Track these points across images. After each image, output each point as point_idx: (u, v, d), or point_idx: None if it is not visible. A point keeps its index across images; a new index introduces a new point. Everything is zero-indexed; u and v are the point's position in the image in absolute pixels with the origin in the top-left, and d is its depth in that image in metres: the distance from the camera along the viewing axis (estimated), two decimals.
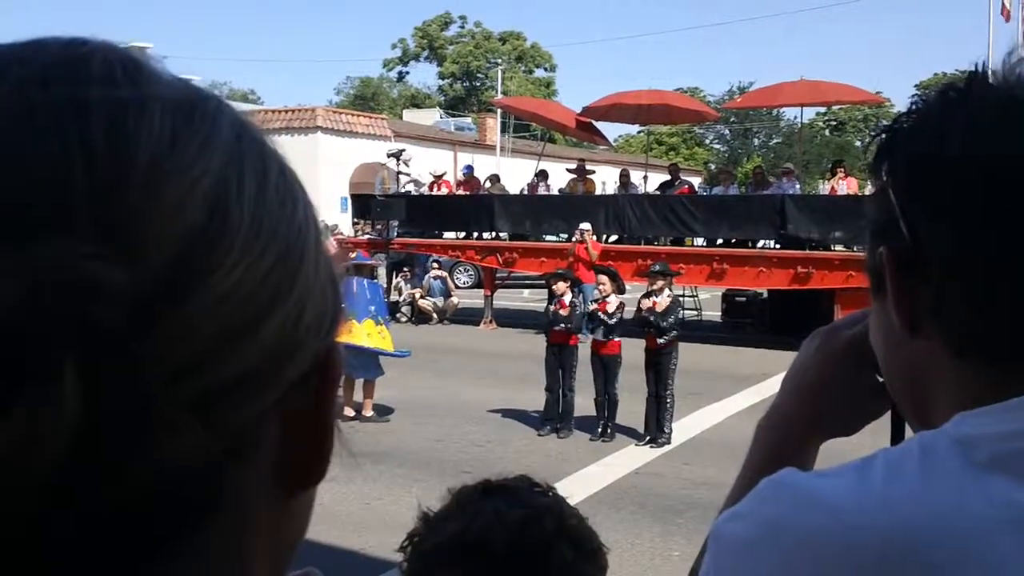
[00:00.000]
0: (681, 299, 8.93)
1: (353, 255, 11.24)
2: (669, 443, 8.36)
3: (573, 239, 15.57)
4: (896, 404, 0.79)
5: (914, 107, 0.73)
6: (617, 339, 8.67)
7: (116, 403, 0.33)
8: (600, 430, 8.63)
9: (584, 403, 8.79)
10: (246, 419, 0.37)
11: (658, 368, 8.47)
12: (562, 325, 8.76)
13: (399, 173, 19.73)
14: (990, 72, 0.70)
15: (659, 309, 8.46)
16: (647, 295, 8.67)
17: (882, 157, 0.73)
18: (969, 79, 0.70)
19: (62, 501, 0.32)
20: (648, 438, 8.43)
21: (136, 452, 0.34)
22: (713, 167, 47.80)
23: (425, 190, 19.86)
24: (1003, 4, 20.56)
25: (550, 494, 1.20)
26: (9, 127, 0.34)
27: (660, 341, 8.40)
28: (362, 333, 8.57)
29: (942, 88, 0.71)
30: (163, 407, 0.34)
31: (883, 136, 0.74)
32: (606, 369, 8.65)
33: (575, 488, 6.81)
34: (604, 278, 8.93)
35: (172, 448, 0.34)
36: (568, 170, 19.56)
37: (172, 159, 0.35)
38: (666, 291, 8.76)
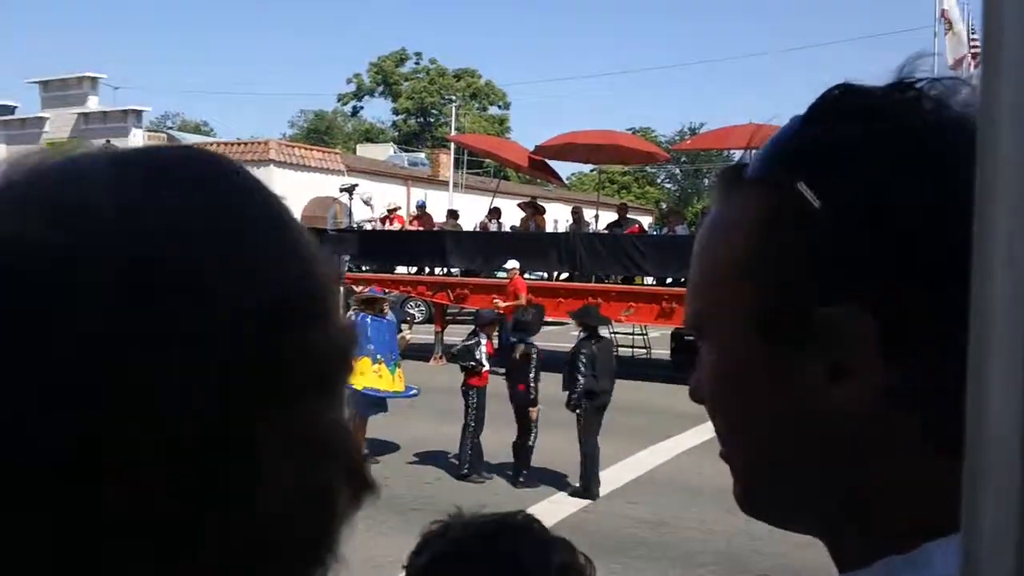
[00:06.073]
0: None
1: (367, 289, 10.84)
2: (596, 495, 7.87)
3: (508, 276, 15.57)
4: (752, 476, 0.62)
5: None
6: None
7: None
8: (516, 474, 8.33)
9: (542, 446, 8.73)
10: None
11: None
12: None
13: (351, 211, 19.64)
14: None
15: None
16: (588, 339, 8.18)
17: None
18: None
19: None
20: (576, 487, 7.98)
21: None
22: (664, 206, 48.37)
23: (378, 224, 19.79)
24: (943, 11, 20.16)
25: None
26: None
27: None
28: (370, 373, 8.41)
29: None
30: None
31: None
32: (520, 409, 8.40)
33: None
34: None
35: None
36: (519, 206, 19.65)
37: None
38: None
